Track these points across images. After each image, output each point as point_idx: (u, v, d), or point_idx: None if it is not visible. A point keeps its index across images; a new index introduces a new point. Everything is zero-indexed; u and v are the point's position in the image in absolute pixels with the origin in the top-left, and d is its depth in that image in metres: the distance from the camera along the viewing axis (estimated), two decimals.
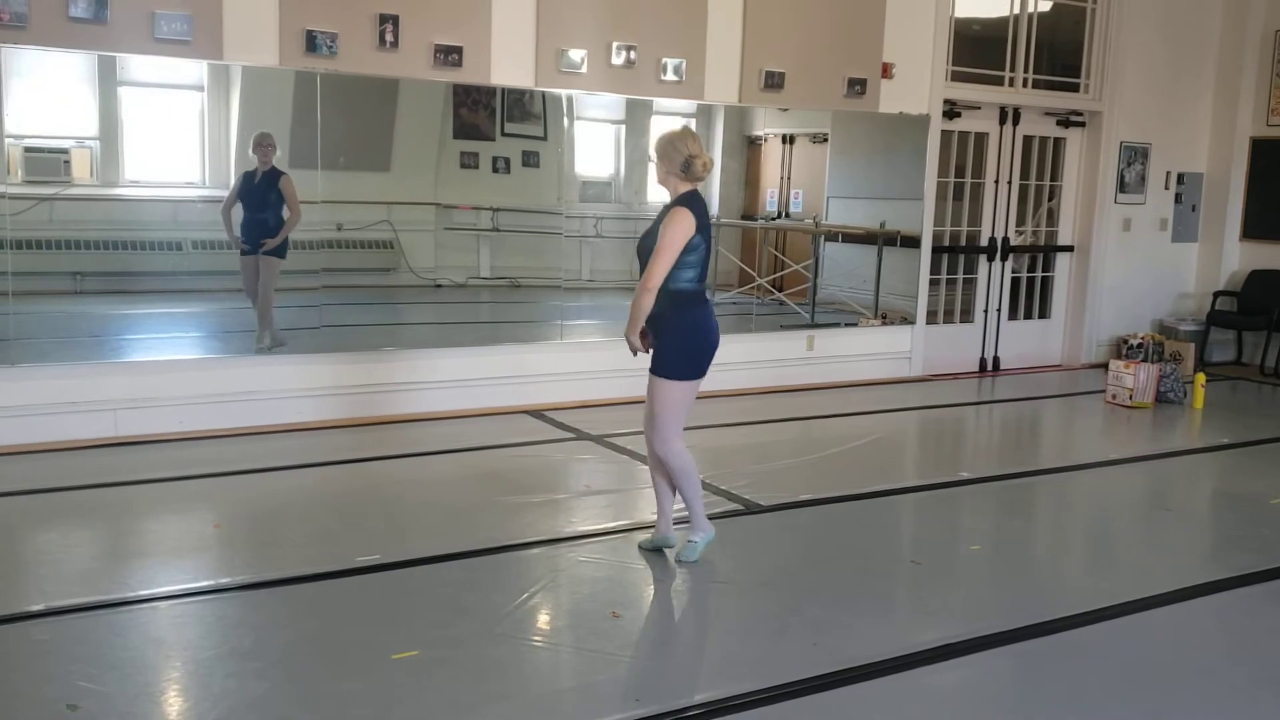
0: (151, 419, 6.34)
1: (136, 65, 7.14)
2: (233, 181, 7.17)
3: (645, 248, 4.51)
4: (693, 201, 4.46)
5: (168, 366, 6.58)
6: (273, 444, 6.39)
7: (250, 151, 7.01)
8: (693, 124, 9.15)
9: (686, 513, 4.68)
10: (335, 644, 3.74)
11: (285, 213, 7.07)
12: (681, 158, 4.44)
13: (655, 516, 4.80)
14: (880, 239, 9.09)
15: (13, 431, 6.00)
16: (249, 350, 7.00)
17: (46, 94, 7.38)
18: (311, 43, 6.47)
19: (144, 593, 4.14)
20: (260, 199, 7.04)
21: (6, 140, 6.68)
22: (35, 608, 3.95)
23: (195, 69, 7.13)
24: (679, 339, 4.49)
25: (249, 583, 4.25)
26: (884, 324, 9.09)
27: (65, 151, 7.62)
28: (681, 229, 4.36)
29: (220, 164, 7.72)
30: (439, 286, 8.54)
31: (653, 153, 4.59)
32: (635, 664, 3.67)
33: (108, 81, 7.55)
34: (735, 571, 4.59)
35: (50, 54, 6.24)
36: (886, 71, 8.53)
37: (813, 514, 5.40)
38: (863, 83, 8.40)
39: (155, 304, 7.07)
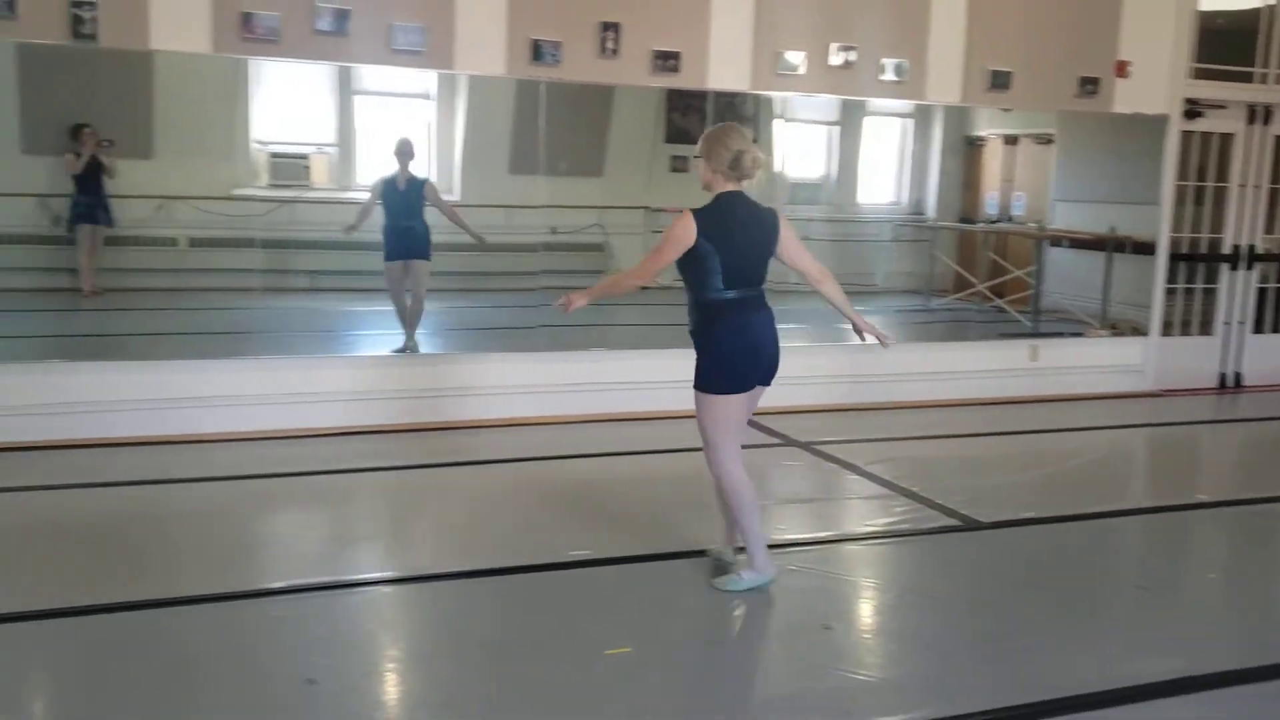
0: (374, 410, 6.64)
1: (370, 75, 7.53)
2: (378, 180, 7.25)
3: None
4: (715, 205, 4.14)
5: (389, 361, 6.88)
6: (489, 438, 6.59)
7: (396, 156, 7.14)
8: (910, 124, 8.96)
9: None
10: (549, 636, 3.82)
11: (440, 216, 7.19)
12: (730, 154, 4.08)
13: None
14: (1110, 245, 8.63)
15: (253, 418, 6.40)
16: (472, 347, 7.24)
17: (290, 103, 7.88)
18: (537, 52, 6.65)
19: (371, 575, 4.35)
20: (411, 207, 7.19)
21: (253, 146, 7.18)
22: (276, 584, 4.21)
23: (425, 78, 7.46)
24: (715, 353, 4.18)
25: (464, 570, 4.39)
26: (1113, 334, 8.63)
27: (305, 157, 8.13)
28: (672, 233, 4.06)
29: (446, 169, 8.07)
30: (645, 288, 8.63)
31: (697, 150, 4.21)
32: (845, 678, 3.60)
33: (344, 91, 8.01)
34: (951, 589, 4.44)
35: (294, 65, 6.63)
36: (1122, 70, 8.09)
37: (1034, 533, 5.17)
38: (1095, 81, 7.99)
39: (383, 302, 7.41)
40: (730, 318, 4.16)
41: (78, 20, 5.75)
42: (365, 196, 7.31)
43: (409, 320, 7.25)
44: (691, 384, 4.26)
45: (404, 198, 7.17)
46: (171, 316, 7.72)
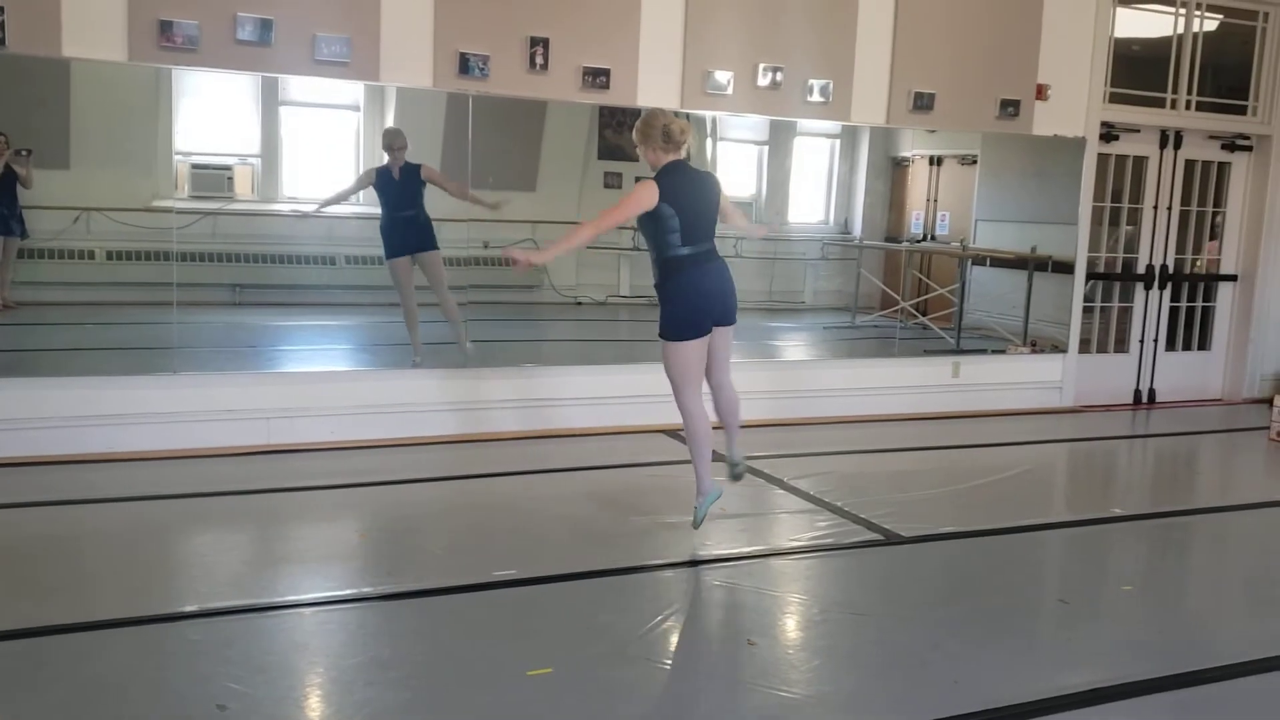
0: (303, 429, 6.55)
1: (297, 86, 7.44)
2: (370, 169, 7.20)
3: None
4: (667, 170, 4.77)
5: (320, 378, 6.80)
6: (415, 456, 6.54)
7: (385, 150, 7.08)
8: (836, 145, 9.07)
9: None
10: (472, 657, 3.78)
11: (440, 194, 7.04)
12: (659, 131, 4.75)
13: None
14: (1031, 264, 8.81)
15: (173, 436, 6.28)
16: (397, 364, 7.18)
17: (212, 113, 7.75)
18: (465, 65, 6.62)
19: (290, 598, 4.27)
20: (407, 197, 7.07)
21: (175, 157, 7.03)
22: (189, 608, 4.11)
23: (352, 90, 7.38)
24: (674, 305, 4.83)
25: (389, 593, 4.34)
26: (1033, 352, 8.80)
27: (229, 168, 7.99)
28: (633, 196, 4.68)
29: None
30: (579, 304, 8.64)
31: (634, 141, 4.87)
32: (770, 694, 3.60)
33: (270, 101, 7.89)
34: (875, 603, 4.48)
35: (217, 75, 6.53)
36: (1041, 93, 8.28)
37: (956, 547, 5.24)
38: (1016, 104, 8.17)
39: (309, 316, 7.31)
40: (687, 271, 4.79)
41: None
42: (296, 209, 7.23)
43: (449, 318, 7.13)
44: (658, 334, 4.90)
45: (401, 186, 7.05)
46: (89, 331, 7.53)
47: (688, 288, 4.81)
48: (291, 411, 6.54)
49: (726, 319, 4.97)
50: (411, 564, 4.74)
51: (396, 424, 6.77)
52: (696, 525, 5.08)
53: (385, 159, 7.13)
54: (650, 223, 4.77)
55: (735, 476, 5.44)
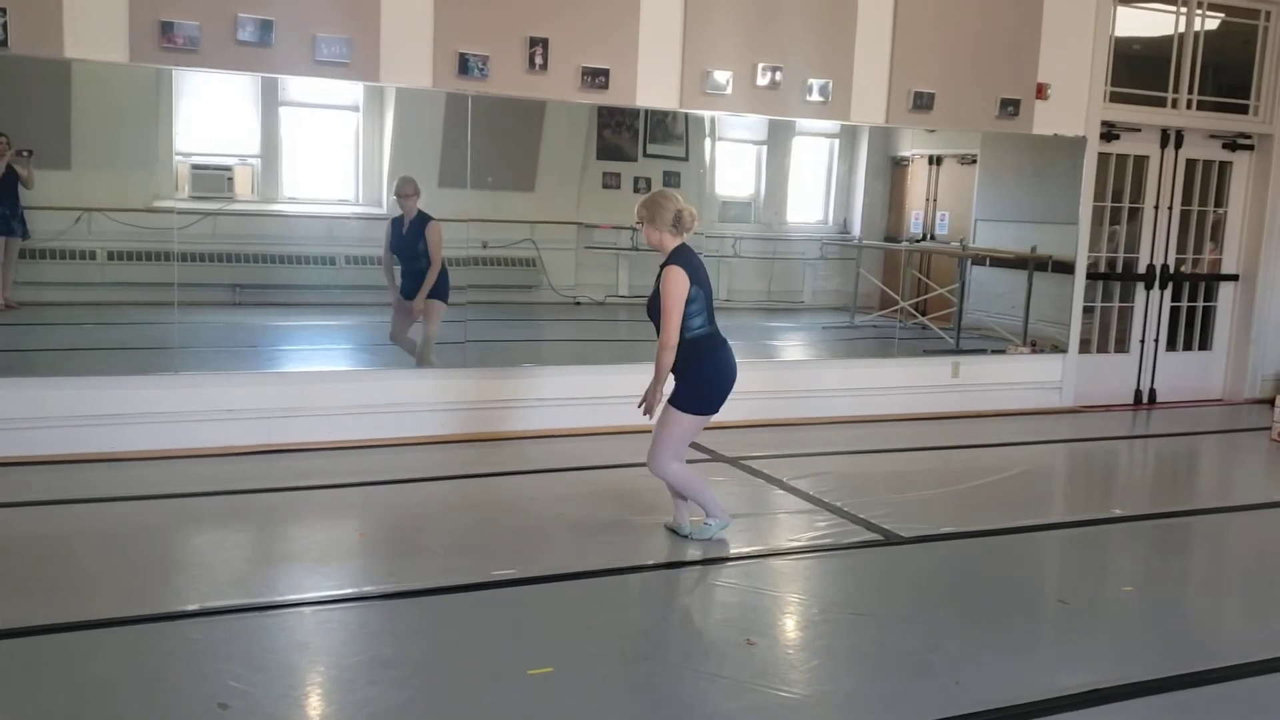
0: (304, 428, 6.55)
1: (296, 86, 7.44)
2: (390, 220, 7.23)
3: (653, 308, 4.86)
4: (682, 256, 4.80)
5: (320, 378, 6.80)
6: (415, 456, 6.54)
7: (394, 198, 7.09)
8: (836, 144, 9.07)
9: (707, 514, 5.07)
10: (472, 656, 3.79)
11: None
12: (671, 214, 4.79)
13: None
14: (1031, 264, 8.81)
15: (174, 436, 6.29)
16: (397, 364, 7.18)
17: (213, 114, 7.74)
18: (464, 65, 6.63)
19: (291, 597, 4.27)
20: (411, 249, 7.10)
21: (175, 158, 7.03)
22: (191, 607, 4.12)
23: (352, 90, 7.38)
24: (697, 380, 4.86)
25: (390, 592, 4.34)
26: (1033, 352, 8.81)
27: (229, 169, 7.98)
28: (678, 287, 4.72)
29: (373, 182, 7.98)
30: (578, 304, 8.64)
31: (638, 217, 4.89)
32: (769, 694, 3.61)
33: (269, 102, 7.88)
34: (874, 604, 4.48)
35: (217, 76, 6.53)
36: (1041, 92, 8.28)
37: (956, 547, 5.24)
38: (1016, 103, 8.18)
39: (309, 316, 7.31)
40: (714, 350, 4.89)
41: None
42: (296, 209, 7.23)
43: (419, 355, 7.15)
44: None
45: (407, 239, 7.06)
46: (90, 331, 7.53)
47: (718, 366, 4.89)
48: (292, 411, 6.55)
49: (721, 405, 5.01)
50: (412, 563, 4.74)
51: (396, 424, 6.78)
52: (699, 538, 5.08)
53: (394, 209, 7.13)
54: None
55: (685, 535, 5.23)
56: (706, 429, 7.14)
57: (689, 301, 4.74)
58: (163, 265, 6.74)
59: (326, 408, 6.63)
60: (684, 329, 4.79)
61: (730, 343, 5.02)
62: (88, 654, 3.70)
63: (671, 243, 4.83)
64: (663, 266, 4.81)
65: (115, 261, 7.62)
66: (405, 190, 7.04)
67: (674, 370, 4.87)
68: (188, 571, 4.62)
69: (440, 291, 7.13)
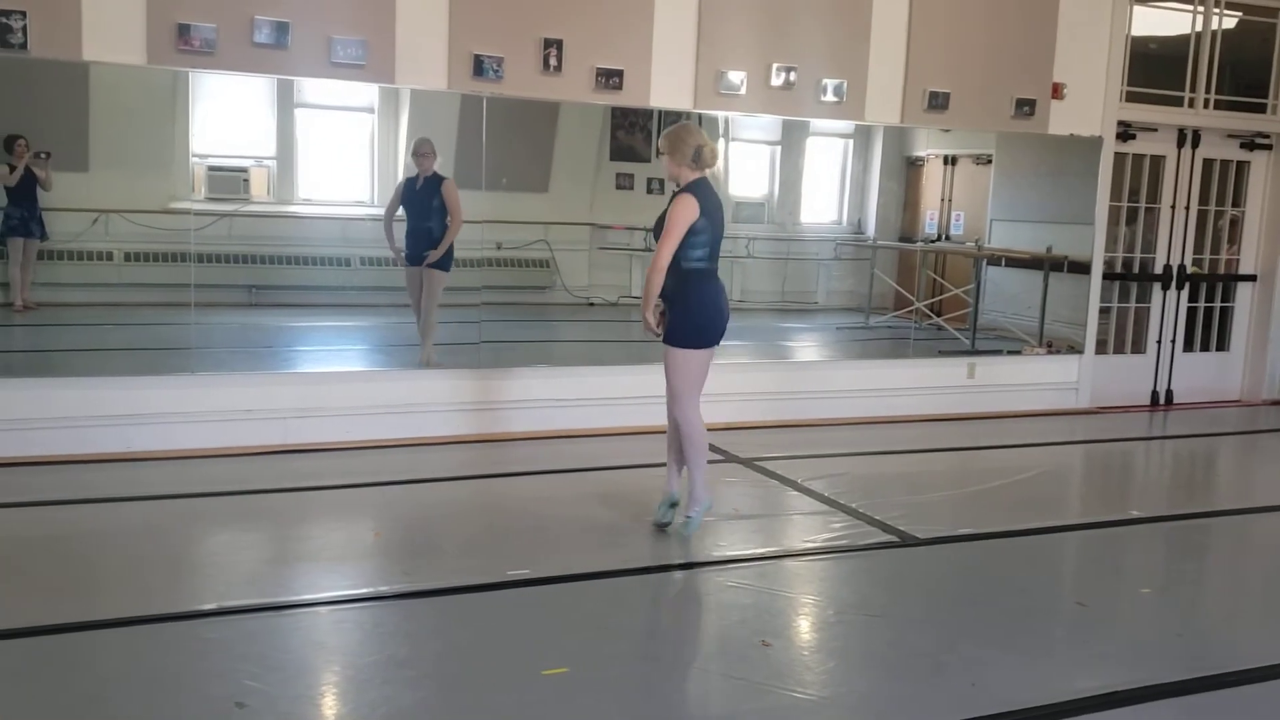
0: (319, 428, 6.57)
1: (312, 88, 7.47)
2: (402, 179, 7.22)
3: (657, 230, 4.91)
4: (699, 187, 4.85)
5: (335, 378, 6.82)
6: (430, 456, 6.55)
7: (410, 157, 7.10)
8: (850, 144, 9.06)
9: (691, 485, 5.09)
10: (487, 656, 3.79)
11: (448, 220, 7.07)
12: (691, 148, 4.85)
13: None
14: (1047, 264, 8.78)
15: (190, 436, 6.31)
16: (411, 364, 7.20)
17: (229, 116, 7.78)
18: (479, 67, 6.64)
19: (307, 597, 4.29)
20: (423, 207, 7.07)
21: (191, 159, 7.06)
22: (207, 607, 4.13)
23: (367, 92, 7.41)
24: (689, 312, 4.89)
25: (405, 592, 4.35)
26: (1049, 352, 8.77)
27: (245, 170, 8.02)
28: (685, 212, 4.77)
29: (389, 183, 8.01)
30: (591, 305, 8.64)
31: (659, 149, 4.97)
32: (784, 696, 3.60)
33: (285, 104, 7.92)
34: (889, 605, 4.47)
35: (233, 78, 6.56)
36: (1057, 92, 8.25)
37: (971, 549, 5.22)
38: (1032, 103, 8.15)
39: (324, 317, 7.33)
40: (703, 283, 4.91)
41: (6, 29, 5.65)
42: (311, 211, 7.25)
43: (421, 331, 7.13)
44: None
45: (420, 196, 7.03)
46: (107, 332, 7.58)
47: (708, 298, 4.93)
48: (307, 412, 6.57)
49: (719, 338, 5.04)
50: (427, 563, 4.75)
51: (411, 424, 6.79)
52: (686, 533, 5.09)
53: (414, 169, 7.12)
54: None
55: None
56: (719, 428, 7.17)
57: (695, 233, 4.78)
58: (179, 266, 6.77)
59: (341, 408, 6.65)
60: (682, 258, 4.82)
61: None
62: (103, 653, 3.72)
63: (689, 175, 4.88)
64: (676, 193, 4.87)
65: (132, 262, 7.66)
66: (424, 149, 7.03)
67: (667, 302, 4.88)
68: (203, 571, 4.64)
69: (443, 261, 7.12)
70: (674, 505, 5.18)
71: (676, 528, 5.11)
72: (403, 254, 7.19)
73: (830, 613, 4.38)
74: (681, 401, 4.98)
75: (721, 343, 5.08)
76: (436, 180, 7.05)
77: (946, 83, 7.88)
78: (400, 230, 7.20)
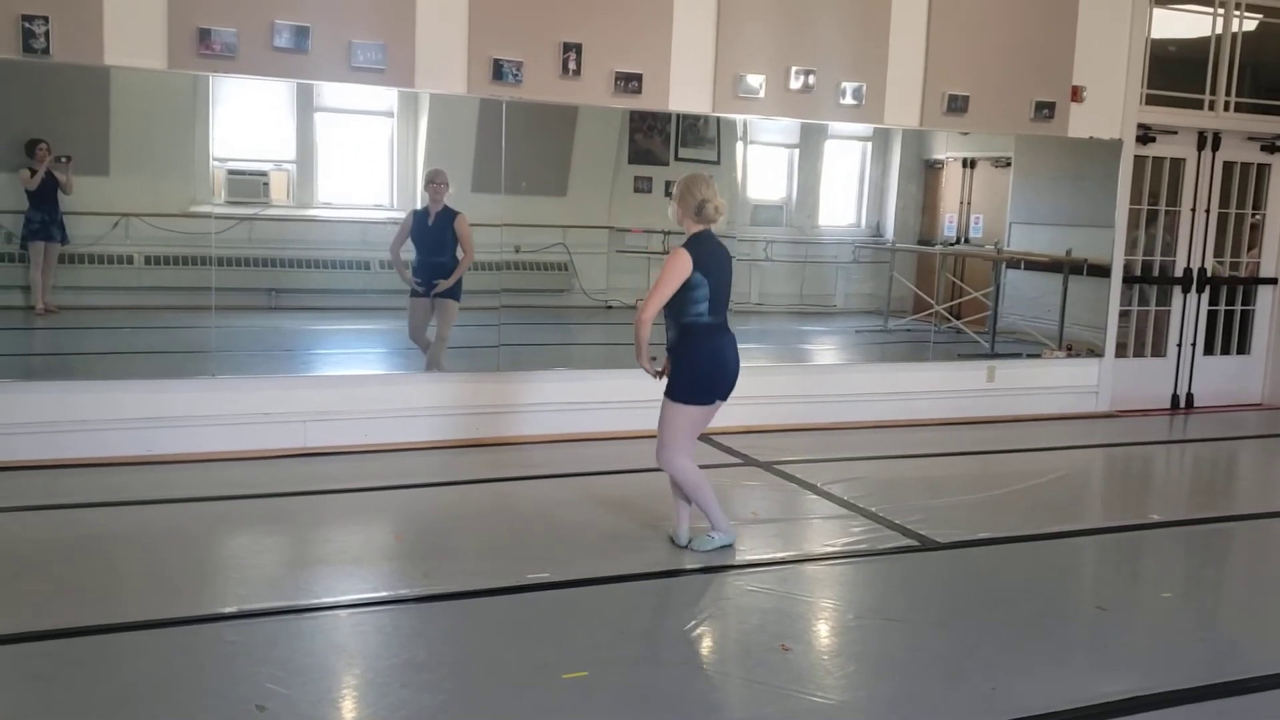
0: (339, 432, 6.60)
1: (332, 92, 7.49)
2: (409, 211, 7.25)
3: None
4: (699, 242, 4.78)
5: (355, 381, 6.84)
6: (449, 459, 6.57)
7: (425, 187, 7.12)
8: (869, 147, 9.04)
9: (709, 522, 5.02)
10: (506, 660, 3.80)
11: (459, 253, 7.10)
12: (695, 201, 4.77)
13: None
14: (1066, 267, 8.74)
15: (210, 439, 6.35)
16: (428, 368, 7.21)
17: (249, 120, 7.81)
18: (498, 71, 6.65)
19: (327, 600, 4.30)
20: (436, 241, 7.08)
21: (212, 163, 7.10)
22: (228, 609, 4.15)
23: (387, 96, 7.43)
24: (689, 368, 4.83)
25: (425, 595, 4.36)
26: (1069, 356, 8.73)
27: (264, 174, 8.05)
28: (674, 269, 4.69)
29: (408, 187, 8.03)
30: (609, 308, 8.64)
31: (674, 193, 4.87)
32: (804, 700, 3.60)
33: (305, 108, 7.94)
34: (909, 609, 4.46)
35: (254, 82, 6.59)
36: (1077, 95, 8.22)
37: (991, 553, 5.20)
38: (1051, 106, 8.12)
39: (344, 320, 7.35)
40: (707, 339, 4.82)
41: (29, 35, 5.70)
42: (331, 214, 7.25)
43: (430, 358, 7.14)
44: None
45: (432, 231, 7.05)
46: (128, 335, 7.62)
47: (711, 355, 4.83)
48: (327, 415, 6.60)
49: (727, 394, 4.93)
50: (446, 566, 4.76)
51: (431, 427, 6.81)
52: (699, 549, 4.99)
53: (424, 201, 7.13)
54: (679, 289, 4.75)
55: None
56: (738, 431, 7.17)
57: (692, 288, 4.71)
58: (199, 270, 6.81)
59: (361, 411, 6.67)
60: (682, 313, 4.78)
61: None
62: (125, 655, 3.75)
63: (692, 227, 4.83)
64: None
65: (153, 266, 7.70)
66: (439, 179, 7.03)
67: (672, 357, 4.87)
68: (224, 574, 4.66)
69: (454, 291, 7.14)
70: (679, 544, 5.03)
71: (690, 541, 5.01)
72: (417, 283, 7.18)
73: (850, 617, 4.37)
74: (667, 450, 4.89)
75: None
76: (449, 215, 7.06)
77: (965, 85, 7.86)
78: (390, 226, 7.19)
